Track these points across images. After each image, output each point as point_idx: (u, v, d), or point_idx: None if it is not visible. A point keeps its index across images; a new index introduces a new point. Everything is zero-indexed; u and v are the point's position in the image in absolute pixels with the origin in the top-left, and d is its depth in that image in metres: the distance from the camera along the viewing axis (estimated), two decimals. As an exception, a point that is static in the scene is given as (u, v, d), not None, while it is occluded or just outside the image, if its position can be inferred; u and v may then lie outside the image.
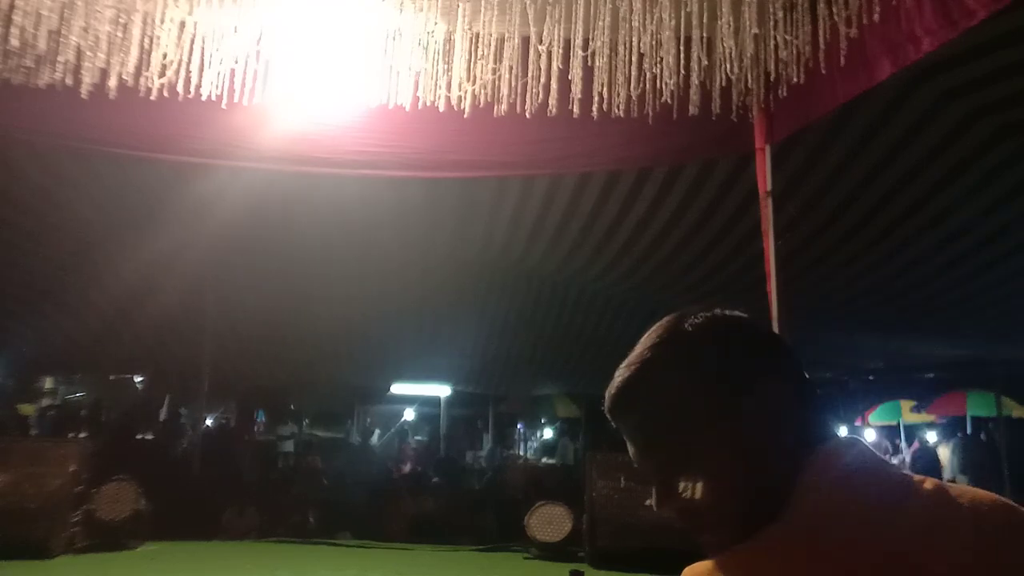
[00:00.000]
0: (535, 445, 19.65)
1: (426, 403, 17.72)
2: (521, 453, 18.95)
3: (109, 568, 6.91)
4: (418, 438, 17.65)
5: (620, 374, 0.92)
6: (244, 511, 8.62)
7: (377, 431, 17.99)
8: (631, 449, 0.92)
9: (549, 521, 7.91)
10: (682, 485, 0.86)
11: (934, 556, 0.74)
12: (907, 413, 15.55)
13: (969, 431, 14.57)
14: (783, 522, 0.78)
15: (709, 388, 0.86)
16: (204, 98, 4.01)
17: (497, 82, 4.02)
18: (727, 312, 0.92)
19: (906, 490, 0.80)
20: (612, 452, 9.57)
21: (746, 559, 0.78)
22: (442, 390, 15.82)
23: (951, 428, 15.22)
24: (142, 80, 3.96)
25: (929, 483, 0.81)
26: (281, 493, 9.90)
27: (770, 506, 0.80)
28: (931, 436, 16.15)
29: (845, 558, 0.74)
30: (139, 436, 12.76)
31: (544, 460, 16.44)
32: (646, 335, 0.94)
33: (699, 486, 0.85)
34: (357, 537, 8.61)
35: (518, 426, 19.97)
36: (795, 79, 3.85)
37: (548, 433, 19.48)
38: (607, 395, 0.92)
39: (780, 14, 3.78)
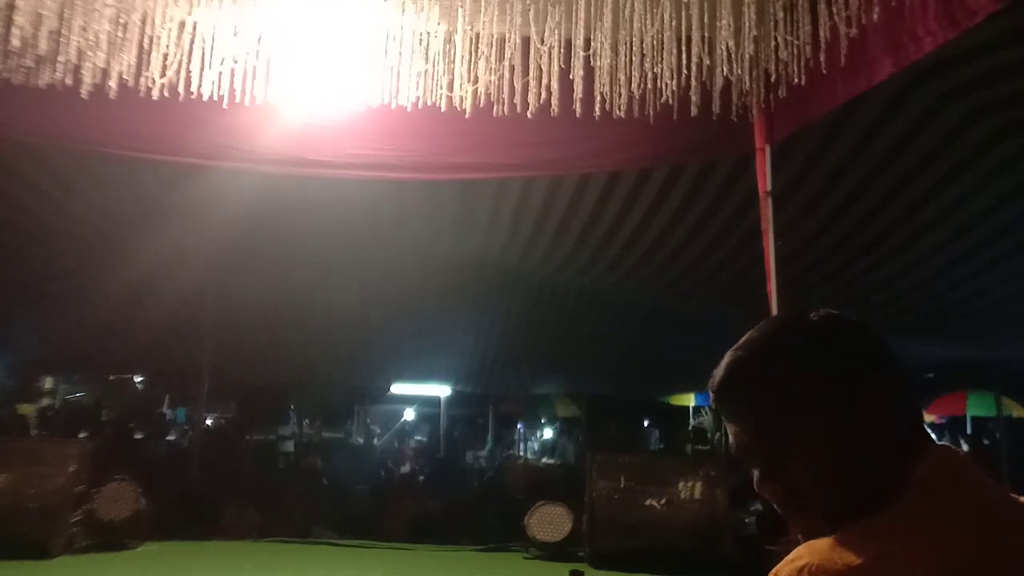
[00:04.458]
0: (535, 445, 19.66)
1: (426, 403, 17.73)
2: (521, 453, 18.95)
3: (109, 568, 6.91)
4: (418, 438, 17.65)
5: (734, 355, 0.95)
6: (244, 511, 8.62)
7: (377, 431, 18.02)
8: (735, 430, 0.95)
9: (549, 521, 7.91)
10: (789, 467, 0.89)
11: None
12: (907, 413, 15.51)
13: (969, 431, 14.58)
14: (904, 507, 0.81)
15: (829, 374, 0.90)
16: (204, 99, 4.01)
17: (498, 82, 4.02)
18: (841, 312, 0.97)
19: (1011, 497, 0.85)
20: (612, 452, 9.60)
21: (871, 536, 0.79)
22: (442, 390, 15.83)
23: (951, 428, 15.23)
24: (142, 80, 3.96)
25: None
26: (281, 493, 9.89)
27: (874, 494, 0.84)
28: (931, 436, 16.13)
29: (967, 546, 0.77)
30: (139, 436, 12.76)
31: (544, 460, 16.45)
32: (762, 323, 0.98)
33: (807, 468, 0.88)
34: (357, 537, 8.61)
35: (518, 426, 19.98)
36: (795, 79, 3.85)
37: (548, 433, 19.49)
38: (716, 374, 0.96)
39: (780, 14, 3.78)
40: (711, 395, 0.98)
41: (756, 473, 0.93)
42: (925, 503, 0.81)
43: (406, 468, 13.86)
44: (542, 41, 3.88)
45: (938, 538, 0.77)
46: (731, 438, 0.96)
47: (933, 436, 0.94)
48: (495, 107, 4.06)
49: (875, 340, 0.94)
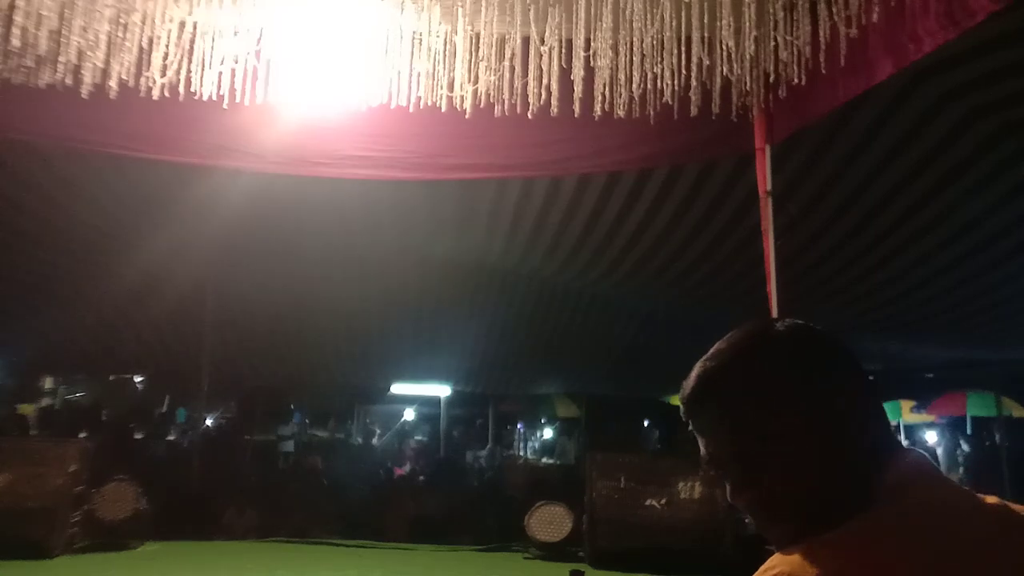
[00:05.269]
0: (535, 445, 19.65)
1: (426, 403, 17.72)
2: (521, 453, 18.95)
3: (109, 568, 6.91)
4: (418, 438, 17.65)
5: (704, 366, 0.95)
6: (244, 511, 8.62)
7: (377, 431, 18.02)
8: (707, 439, 0.95)
9: (549, 521, 7.91)
10: (763, 476, 0.89)
11: (1006, 558, 0.78)
12: (907, 413, 15.56)
13: (969, 431, 14.59)
14: (873, 514, 0.81)
15: (800, 383, 0.90)
16: (204, 98, 4.01)
17: (498, 82, 4.02)
18: (807, 322, 0.97)
19: (977, 500, 0.86)
20: (612, 452, 9.59)
21: (842, 545, 0.80)
22: (442, 390, 15.82)
23: (951, 428, 15.23)
24: (142, 80, 3.96)
25: (991, 498, 0.86)
26: (281, 493, 9.89)
27: (847, 502, 0.84)
28: (931, 436, 16.15)
29: (936, 550, 0.77)
30: (139, 436, 12.76)
31: (544, 460, 16.44)
32: (730, 334, 0.97)
33: (781, 478, 0.88)
34: (357, 537, 8.61)
35: (518, 426, 19.97)
36: (795, 79, 3.85)
37: (548, 433, 19.48)
38: (687, 385, 0.96)
39: (780, 14, 3.78)
40: (682, 407, 0.97)
41: (729, 484, 0.93)
42: (893, 510, 0.82)
43: (406, 468, 13.85)
44: (542, 41, 3.88)
45: (908, 545, 0.78)
46: (702, 450, 0.96)
47: (903, 441, 0.95)
48: (495, 107, 4.06)
49: (842, 348, 0.95)
